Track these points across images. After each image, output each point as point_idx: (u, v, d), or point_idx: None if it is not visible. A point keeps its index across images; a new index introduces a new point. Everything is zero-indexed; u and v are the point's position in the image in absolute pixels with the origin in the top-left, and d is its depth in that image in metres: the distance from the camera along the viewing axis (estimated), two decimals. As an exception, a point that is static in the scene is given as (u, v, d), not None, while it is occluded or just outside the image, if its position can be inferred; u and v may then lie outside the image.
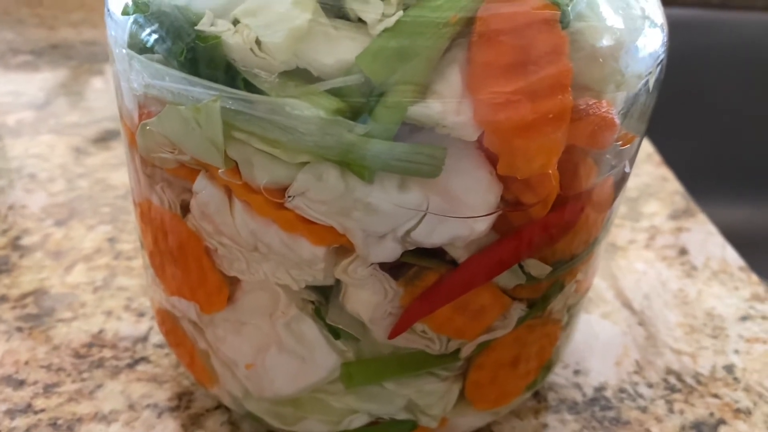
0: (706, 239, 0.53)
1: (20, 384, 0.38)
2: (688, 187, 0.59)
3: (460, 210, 0.25)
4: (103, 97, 0.68)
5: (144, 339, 0.42)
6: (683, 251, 0.52)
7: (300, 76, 0.24)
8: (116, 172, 0.57)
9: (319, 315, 0.29)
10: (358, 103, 0.23)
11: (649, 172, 0.61)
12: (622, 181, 0.31)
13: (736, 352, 0.43)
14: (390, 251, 0.26)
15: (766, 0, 0.87)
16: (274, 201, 0.25)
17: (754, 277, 0.49)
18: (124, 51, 0.27)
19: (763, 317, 0.46)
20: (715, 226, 0.54)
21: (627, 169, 0.30)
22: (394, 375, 0.30)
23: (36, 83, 0.70)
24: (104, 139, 0.61)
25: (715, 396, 0.40)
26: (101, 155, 0.59)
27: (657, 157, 0.63)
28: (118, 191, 0.54)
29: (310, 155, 0.24)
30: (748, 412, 0.39)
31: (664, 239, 0.53)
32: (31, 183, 0.55)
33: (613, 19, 0.27)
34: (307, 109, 0.23)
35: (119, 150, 0.60)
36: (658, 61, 0.29)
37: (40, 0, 0.88)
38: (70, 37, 0.79)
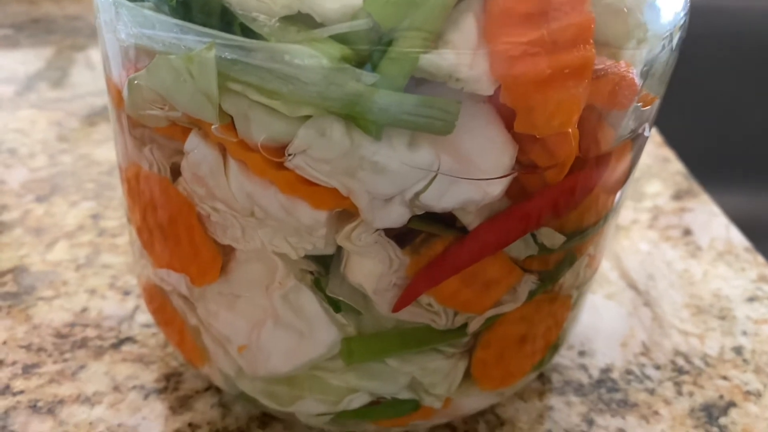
0: (710, 220, 0.52)
1: (-2, 364, 0.36)
2: (690, 169, 0.57)
3: (472, 171, 0.23)
4: (86, 73, 0.65)
5: (130, 318, 0.40)
6: (687, 231, 0.50)
7: (302, 21, 0.22)
8: (101, 148, 0.54)
9: (318, 286, 0.27)
10: (365, 51, 0.21)
11: (650, 152, 0.59)
12: (640, 147, 0.29)
13: (744, 333, 0.42)
14: (397, 216, 0.24)
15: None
16: (273, 160, 0.23)
17: (761, 258, 0.48)
18: (109, -1, 0.25)
19: (771, 298, 0.45)
20: (718, 206, 0.53)
21: (646, 133, 0.28)
22: (397, 351, 0.28)
23: (16, 58, 0.67)
24: (88, 115, 0.59)
25: (725, 378, 0.39)
26: (85, 131, 0.56)
27: (658, 138, 0.61)
28: (103, 167, 0.52)
29: (313, 108, 0.22)
30: (758, 394, 0.38)
31: (667, 219, 0.51)
32: (11, 158, 0.52)
33: (634, -28, 0.25)
34: (310, 57, 0.21)
35: (104, 126, 0.57)
36: (681, 20, 0.27)
37: (21, -25, 0.85)
38: (52, 11, 0.76)
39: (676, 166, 0.58)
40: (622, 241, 0.49)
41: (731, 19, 0.80)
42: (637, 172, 0.56)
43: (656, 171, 0.57)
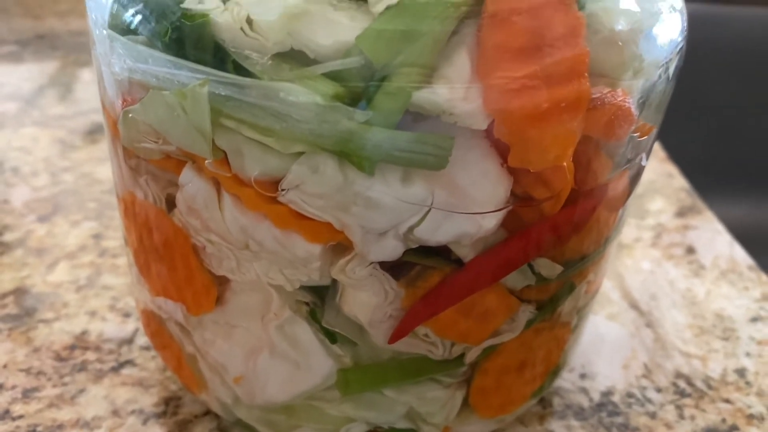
0: (714, 238, 0.51)
1: (-3, 388, 0.36)
2: (693, 182, 0.57)
3: (467, 205, 0.23)
4: (90, 90, 0.66)
5: (129, 341, 0.40)
6: (690, 250, 0.50)
7: (295, 58, 0.22)
8: (103, 166, 0.54)
9: (314, 317, 0.27)
10: (358, 88, 0.21)
11: (654, 167, 0.59)
12: (637, 175, 0.29)
13: (748, 354, 0.42)
14: (391, 249, 0.24)
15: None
16: (266, 195, 0.23)
17: (764, 277, 0.48)
18: (104, 32, 0.25)
19: (775, 318, 0.44)
20: (721, 223, 0.53)
21: (643, 162, 0.28)
22: (393, 382, 0.28)
23: (20, 74, 0.67)
24: (90, 132, 0.59)
25: (727, 401, 0.39)
26: (87, 149, 0.57)
27: (662, 153, 0.61)
28: (105, 186, 0.52)
29: (306, 145, 0.22)
30: (761, 418, 0.38)
31: (670, 237, 0.51)
32: (14, 177, 0.52)
33: (630, 2, 0.25)
34: (303, 94, 0.21)
35: (105, 143, 0.57)
36: (678, 48, 0.27)
37: (26, -11, 0.85)
38: (57, 27, 0.76)
39: (680, 181, 0.57)
40: (624, 260, 0.48)
41: (732, 30, 0.80)
42: (640, 189, 0.56)
43: (660, 187, 0.57)
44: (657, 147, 0.62)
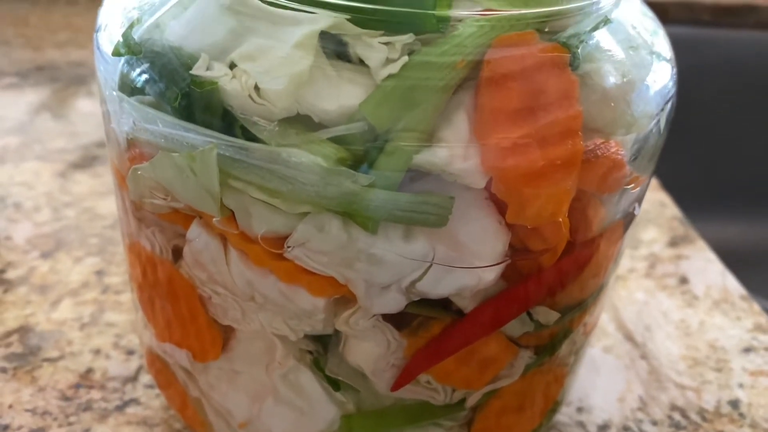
0: (706, 267, 0.52)
1: (4, 430, 0.37)
2: (681, 204, 0.58)
3: (467, 259, 0.24)
4: (89, 121, 0.66)
5: (134, 379, 0.40)
6: (683, 280, 0.51)
7: (301, 122, 0.23)
8: (104, 200, 0.55)
9: (318, 366, 0.27)
10: (361, 151, 0.22)
11: (646, 197, 0.59)
12: (630, 222, 0.30)
13: (741, 386, 0.43)
14: (394, 302, 0.25)
15: (756, 18, 0.87)
16: (273, 251, 0.24)
17: (756, 307, 0.49)
18: (114, 93, 0.26)
19: (767, 349, 0.45)
20: (712, 250, 0.54)
21: (636, 211, 0.29)
22: (396, 427, 0.29)
23: (21, 106, 0.68)
24: (91, 165, 0.60)
25: (722, 433, 0.39)
26: (88, 182, 0.57)
27: (654, 182, 0.62)
28: (106, 221, 0.53)
29: (311, 205, 0.23)
30: (755, 451, 0.39)
31: (663, 267, 0.52)
32: (16, 213, 0.53)
33: (622, 58, 0.26)
34: (308, 158, 0.22)
35: (106, 176, 0.58)
36: (668, 96, 0.28)
37: (26, 20, 0.86)
38: (56, 58, 0.77)
39: (672, 210, 0.58)
40: (619, 291, 0.49)
41: (718, 53, 0.81)
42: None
43: (653, 216, 0.58)
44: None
